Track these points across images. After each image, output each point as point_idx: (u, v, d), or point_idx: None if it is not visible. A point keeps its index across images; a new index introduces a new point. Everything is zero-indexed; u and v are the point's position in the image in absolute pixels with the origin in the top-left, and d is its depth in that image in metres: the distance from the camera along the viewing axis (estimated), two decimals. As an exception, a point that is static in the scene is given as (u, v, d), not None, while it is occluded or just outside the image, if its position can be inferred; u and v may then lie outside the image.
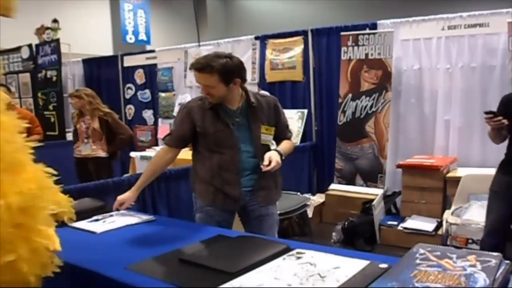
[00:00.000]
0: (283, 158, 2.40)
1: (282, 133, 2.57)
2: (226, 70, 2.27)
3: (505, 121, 2.72)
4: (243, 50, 6.23)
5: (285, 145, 2.53)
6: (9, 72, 8.48)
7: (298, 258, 1.61)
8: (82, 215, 2.35)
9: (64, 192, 2.98)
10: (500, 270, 1.29)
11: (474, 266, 1.30)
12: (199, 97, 2.49)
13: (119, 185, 3.19)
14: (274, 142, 2.56)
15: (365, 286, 1.33)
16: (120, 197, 2.44)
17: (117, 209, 2.44)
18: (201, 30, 12.92)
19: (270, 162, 2.29)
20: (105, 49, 10.37)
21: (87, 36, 9.86)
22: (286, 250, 1.71)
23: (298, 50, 5.82)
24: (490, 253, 1.38)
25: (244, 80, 2.40)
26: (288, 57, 5.88)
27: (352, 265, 1.50)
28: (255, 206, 2.49)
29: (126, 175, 4.07)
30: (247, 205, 2.49)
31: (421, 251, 1.45)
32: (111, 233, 2.15)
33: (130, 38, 7.58)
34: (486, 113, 2.77)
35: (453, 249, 1.45)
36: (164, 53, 7.29)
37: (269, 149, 2.43)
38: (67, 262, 1.78)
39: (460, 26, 4.72)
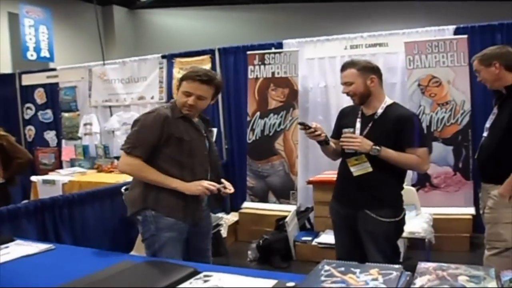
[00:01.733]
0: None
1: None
2: (219, 87, 2.53)
3: (319, 133, 2.56)
4: (150, 69, 6.18)
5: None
6: None
7: (206, 281, 1.56)
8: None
9: None
10: (401, 282, 1.32)
11: (376, 279, 1.33)
12: (163, 106, 2.56)
13: (14, 213, 2.97)
14: None
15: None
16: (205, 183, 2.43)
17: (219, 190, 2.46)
18: (109, 47, 12.67)
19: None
20: (3, 67, 9.77)
21: None
22: (193, 274, 1.65)
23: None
24: (392, 265, 1.41)
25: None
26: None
27: (259, 286, 1.47)
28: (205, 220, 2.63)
29: (25, 201, 3.80)
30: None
31: (326, 267, 1.46)
32: (6, 266, 1.95)
33: (32, 55, 7.20)
34: (299, 123, 2.69)
35: (357, 264, 1.46)
36: (67, 71, 6.99)
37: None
38: None
39: (362, 45, 4.99)
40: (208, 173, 2.51)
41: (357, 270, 1.40)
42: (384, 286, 1.29)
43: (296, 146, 5.08)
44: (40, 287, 1.68)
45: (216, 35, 10.03)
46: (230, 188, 2.50)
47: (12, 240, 2.28)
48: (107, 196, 3.79)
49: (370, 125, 2.55)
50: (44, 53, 7.43)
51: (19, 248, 2.16)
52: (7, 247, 2.20)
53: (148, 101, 6.19)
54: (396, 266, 1.41)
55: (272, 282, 1.49)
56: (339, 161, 2.73)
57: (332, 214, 2.77)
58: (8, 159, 4.30)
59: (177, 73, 5.95)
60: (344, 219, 2.65)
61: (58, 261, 2.02)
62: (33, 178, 5.51)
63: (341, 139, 2.56)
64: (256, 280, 1.53)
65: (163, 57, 6.15)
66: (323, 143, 2.62)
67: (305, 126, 2.54)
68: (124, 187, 2.76)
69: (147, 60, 6.29)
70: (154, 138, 2.38)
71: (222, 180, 2.54)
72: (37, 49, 7.33)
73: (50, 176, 5.54)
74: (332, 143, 2.68)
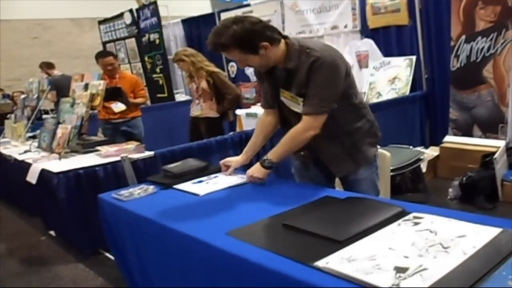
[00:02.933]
0: (272, 166, 2.14)
1: (305, 105, 2.05)
2: (241, 40, 1.92)
3: None
4: (343, -2, 5.84)
5: (282, 146, 2.14)
6: (116, 39, 8.84)
7: (416, 224, 1.43)
8: (185, 176, 2.37)
9: (167, 153, 3.08)
10: None
11: None
12: None
13: (222, 145, 3.19)
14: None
15: (499, 261, 1.13)
16: (227, 159, 2.34)
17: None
18: None
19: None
20: (203, 8, 10.43)
21: None
22: (402, 214, 1.53)
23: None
24: None
25: (273, 39, 1.99)
26: (392, -2, 5.37)
27: (481, 234, 1.29)
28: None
29: (231, 133, 4.06)
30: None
31: None
32: (214, 195, 2.10)
33: None
34: None
35: None
36: (260, 6, 7.07)
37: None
38: (168, 227, 1.78)
39: None
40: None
41: None
42: None
43: (509, 73, 4.40)
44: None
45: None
46: None
47: (219, 170, 2.43)
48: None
49: None
50: None
51: (227, 178, 2.30)
52: (216, 176, 2.37)
53: (342, 30, 5.94)
54: None
55: (495, 230, 1.29)
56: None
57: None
58: (221, 95, 4.56)
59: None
60: None
61: (263, 193, 2.09)
62: (238, 111, 5.82)
63: None
64: (475, 226, 1.35)
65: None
66: None
67: None
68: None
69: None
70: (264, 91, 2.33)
71: None
72: None
73: (253, 109, 5.79)
74: None
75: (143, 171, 2.90)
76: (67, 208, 3.21)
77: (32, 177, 3.34)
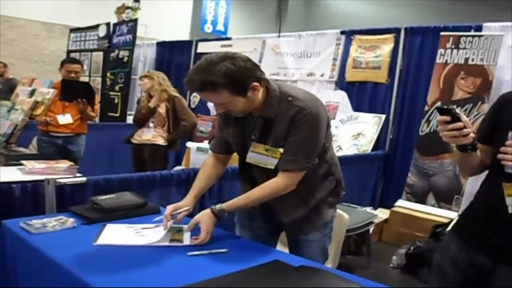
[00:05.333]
0: (222, 217, 1.84)
1: (282, 160, 1.79)
2: (233, 79, 1.65)
3: (468, 131, 1.49)
4: (326, 44, 5.85)
5: (247, 199, 1.86)
6: (83, 50, 8.59)
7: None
8: (116, 212, 2.01)
9: (102, 181, 2.66)
10: None
11: None
12: None
13: (167, 180, 2.79)
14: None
15: None
16: (172, 206, 1.90)
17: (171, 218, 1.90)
18: (282, 20, 12.73)
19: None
20: (181, 36, 10.40)
21: (165, 21, 9.92)
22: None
23: (386, 49, 5.31)
24: None
25: (262, 80, 1.74)
26: (374, 56, 5.39)
27: None
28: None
29: (177, 167, 3.70)
30: None
31: None
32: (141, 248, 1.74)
33: (208, 28, 7.62)
34: (441, 109, 1.50)
35: None
36: (241, 41, 7.00)
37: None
38: (77, 277, 1.43)
39: None
40: None
41: None
42: None
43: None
44: None
45: (401, 16, 9.25)
46: None
47: (157, 211, 2.09)
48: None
49: None
50: (220, 26, 7.87)
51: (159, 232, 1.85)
52: (148, 226, 1.94)
53: (317, 78, 5.92)
54: None
55: None
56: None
57: (449, 262, 1.73)
58: (175, 122, 4.39)
59: (354, 52, 5.53)
60: (470, 272, 1.67)
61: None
62: (188, 144, 5.52)
63: (502, 149, 1.52)
64: None
65: (342, 33, 5.79)
66: (468, 149, 1.54)
67: (452, 114, 1.47)
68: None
69: (324, 35, 5.99)
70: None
71: None
72: (214, 23, 7.86)
73: (205, 144, 5.46)
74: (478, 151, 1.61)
75: (69, 198, 2.44)
76: None
77: None
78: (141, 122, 4.48)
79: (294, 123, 1.73)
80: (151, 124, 4.41)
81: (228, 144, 1.99)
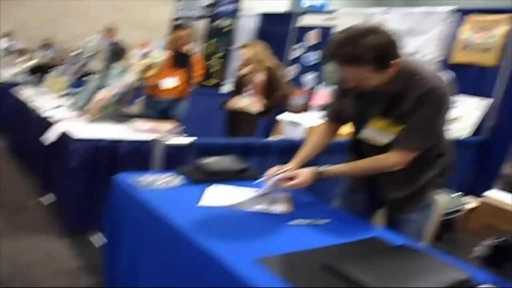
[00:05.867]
0: (323, 178, 1.80)
1: (400, 137, 1.73)
2: (382, 53, 1.57)
3: None
4: (434, 22, 5.46)
5: (353, 168, 1.87)
6: (188, 18, 8.78)
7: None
8: (220, 175, 2.06)
9: (206, 145, 2.73)
10: None
11: None
12: None
13: (264, 148, 2.81)
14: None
15: None
16: (276, 167, 1.88)
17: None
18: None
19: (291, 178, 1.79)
20: (279, 9, 10.39)
21: None
22: (467, 284, 1.26)
23: (501, 30, 4.85)
24: None
25: (399, 57, 1.65)
26: (488, 37, 4.95)
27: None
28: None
29: (272, 138, 3.70)
30: None
31: None
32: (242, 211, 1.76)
33: (304, 3, 7.32)
34: None
35: None
36: (345, 15, 6.69)
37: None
38: (183, 235, 1.49)
39: None
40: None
41: None
42: None
43: None
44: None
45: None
46: None
47: (256, 176, 2.06)
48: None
49: None
50: (318, 1, 7.45)
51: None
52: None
53: (419, 58, 5.47)
54: None
55: None
56: None
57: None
58: (270, 92, 4.41)
59: (464, 32, 5.14)
60: None
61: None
62: (281, 116, 5.49)
63: None
64: None
65: (455, 11, 5.35)
66: None
67: None
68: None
69: (434, 13, 5.58)
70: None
71: None
72: None
73: (297, 117, 5.44)
74: None
75: (171, 157, 2.55)
76: (74, 177, 2.87)
77: (48, 137, 3.03)
78: (237, 89, 4.56)
79: (420, 102, 1.66)
80: (248, 92, 4.46)
81: (343, 114, 1.93)
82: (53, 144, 3.06)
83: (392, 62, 1.61)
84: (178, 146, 2.57)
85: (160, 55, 3.68)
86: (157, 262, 1.64)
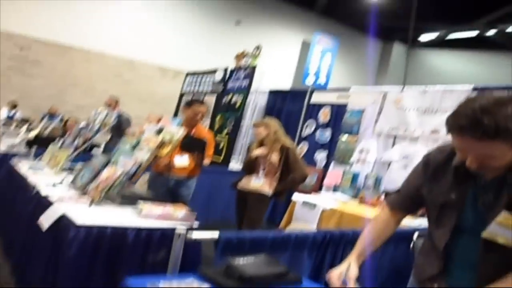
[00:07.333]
0: None
1: None
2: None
3: None
4: (455, 100, 5.25)
5: None
6: (197, 92, 8.85)
7: None
8: (257, 281, 1.64)
9: (234, 239, 2.31)
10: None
11: None
12: (447, 146, 1.62)
13: (301, 242, 2.41)
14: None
15: None
16: (337, 272, 1.57)
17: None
18: (380, 75, 13.45)
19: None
20: (284, 84, 10.71)
21: (272, 70, 10.05)
22: None
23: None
24: None
25: None
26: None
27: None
28: None
29: (311, 230, 3.28)
30: None
31: None
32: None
33: (308, 81, 7.46)
34: None
35: None
36: (359, 93, 6.65)
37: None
38: None
39: None
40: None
41: None
42: None
43: None
44: None
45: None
46: None
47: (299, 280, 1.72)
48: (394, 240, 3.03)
49: None
50: (321, 79, 7.67)
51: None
52: None
53: (442, 136, 5.33)
54: None
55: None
56: None
57: None
58: (286, 172, 4.16)
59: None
60: None
61: None
62: (295, 197, 5.15)
63: None
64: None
65: (474, 89, 5.24)
66: None
67: None
68: (417, 233, 2.29)
69: (453, 91, 5.45)
70: (409, 190, 1.73)
71: None
72: (316, 75, 7.60)
73: (312, 198, 5.09)
74: None
75: (190, 253, 2.12)
76: (67, 265, 2.28)
77: (46, 220, 2.58)
78: (250, 169, 4.29)
79: None
80: (261, 172, 4.22)
81: (414, 201, 1.71)
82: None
83: None
84: (202, 241, 2.15)
85: (177, 131, 3.33)
86: None
